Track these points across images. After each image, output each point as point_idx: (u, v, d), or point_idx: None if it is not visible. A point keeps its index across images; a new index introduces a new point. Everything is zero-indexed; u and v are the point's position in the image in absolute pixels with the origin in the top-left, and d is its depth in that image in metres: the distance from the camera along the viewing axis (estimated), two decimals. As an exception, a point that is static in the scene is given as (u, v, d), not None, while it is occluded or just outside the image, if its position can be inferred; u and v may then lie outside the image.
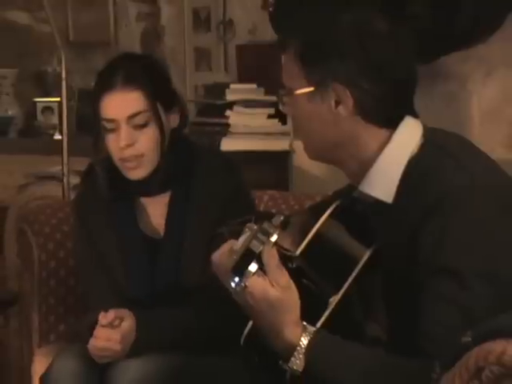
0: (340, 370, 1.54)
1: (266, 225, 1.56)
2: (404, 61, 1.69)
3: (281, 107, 1.86)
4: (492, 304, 1.46)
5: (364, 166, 1.69)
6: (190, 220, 2.29)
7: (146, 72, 2.29)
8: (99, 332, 2.11)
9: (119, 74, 2.24)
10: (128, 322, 2.13)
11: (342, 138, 1.68)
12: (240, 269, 1.55)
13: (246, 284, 1.54)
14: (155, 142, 2.25)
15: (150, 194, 2.34)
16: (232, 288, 1.57)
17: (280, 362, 1.56)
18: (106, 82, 2.25)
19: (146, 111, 2.22)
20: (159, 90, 2.27)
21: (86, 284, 2.39)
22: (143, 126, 2.22)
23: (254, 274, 1.54)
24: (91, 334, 2.13)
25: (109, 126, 2.23)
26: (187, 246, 2.26)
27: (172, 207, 2.32)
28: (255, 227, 1.57)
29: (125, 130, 2.20)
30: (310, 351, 1.53)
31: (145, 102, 2.22)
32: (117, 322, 2.12)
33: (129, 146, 2.21)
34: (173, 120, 2.32)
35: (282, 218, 1.60)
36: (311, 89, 1.67)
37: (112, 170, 2.32)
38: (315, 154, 1.77)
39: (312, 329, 1.56)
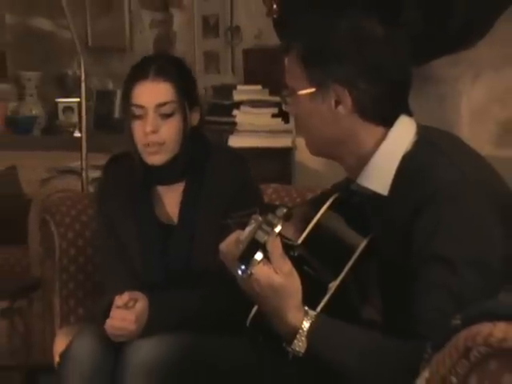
0: (339, 351, 1.54)
1: (270, 216, 1.56)
2: (399, 64, 1.69)
3: (284, 107, 1.86)
4: (480, 290, 1.47)
5: (361, 161, 1.69)
6: (201, 209, 2.29)
7: (176, 68, 2.32)
8: (115, 313, 2.12)
9: (152, 66, 2.27)
10: (141, 304, 2.13)
11: (341, 135, 1.69)
12: (246, 257, 1.55)
13: (252, 271, 1.54)
14: (177, 132, 2.27)
15: (166, 182, 2.35)
16: (239, 275, 1.57)
17: (283, 345, 1.55)
18: (139, 72, 2.27)
19: (173, 102, 2.25)
20: (187, 86, 2.30)
21: (104, 268, 2.40)
22: (169, 115, 2.25)
23: (260, 262, 1.54)
24: (107, 315, 2.14)
25: (138, 112, 2.25)
26: (199, 233, 2.27)
27: (186, 196, 2.32)
28: (260, 218, 1.57)
29: (152, 117, 2.23)
30: (312, 334, 1.53)
31: (173, 94, 2.25)
32: (131, 304, 2.13)
33: (153, 132, 2.23)
34: (194, 118, 2.33)
35: (285, 210, 1.59)
36: (313, 89, 1.67)
37: (133, 162, 2.33)
38: (316, 149, 1.77)
39: (313, 313, 1.56)
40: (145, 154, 2.28)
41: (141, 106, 2.25)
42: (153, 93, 2.25)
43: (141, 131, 2.25)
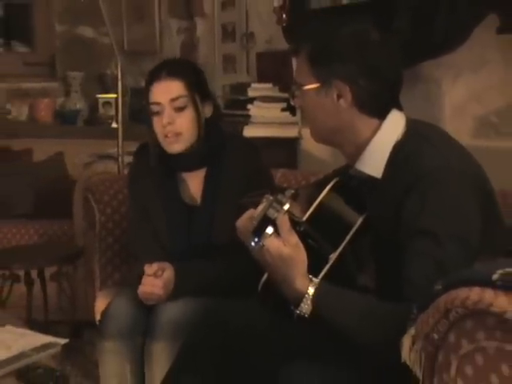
0: (340, 312, 1.54)
1: (279, 196, 1.58)
2: (393, 65, 1.69)
3: (291, 101, 1.85)
4: (460, 260, 1.46)
5: (359, 149, 1.68)
6: (221, 191, 2.28)
7: (185, 68, 2.32)
8: (146, 280, 2.14)
9: (164, 69, 2.27)
10: (168, 272, 2.14)
11: (341, 125, 1.68)
12: (259, 231, 1.56)
13: (264, 244, 1.55)
14: (191, 123, 2.26)
15: (188, 169, 2.34)
16: (252, 247, 1.58)
17: (291, 308, 1.55)
18: (154, 75, 2.27)
19: (184, 96, 2.24)
20: (196, 82, 2.28)
21: (136, 241, 2.39)
22: (182, 108, 2.24)
23: (270, 235, 1.55)
24: (140, 282, 2.15)
25: (155, 108, 2.25)
26: (219, 212, 2.26)
27: (207, 181, 2.32)
28: (271, 198, 1.58)
29: (167, 111, 2.23)
30: (316, 298, 1.53)
31: (184, 89, 2.24)
32: (159, 273, 2.14)
33: (170, 124, 2.23)
34: (207, 110, 2.31)
35: (292, 191, 1.62)
36: (318, 85, 1.67)
37: (159, 151, 2.32)
38: (319, 137, 1.76)
39: (317, 280, 1.56)
40: (165, 145, 2.27)
41: (157, 103, 2.25)
42: (166, 90, 2.24)
43: (160, 124, 2.25)
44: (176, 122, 2.24)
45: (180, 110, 2.24)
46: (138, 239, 2.36)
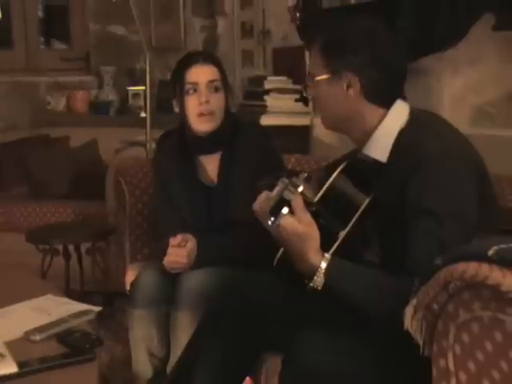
0: (349, 284, 1.53)
1: (294, 179, 1.58)
2: (398, 58, 1.67)
3: (304, 93, 1.83)
4: (459, 238, 1.45)
5: (366, 135, 1.67)
6: (235, 172, 2.27)
7: (216, 58, 2.36)
8: (171, 250, 2.15)
9: (200, 56, 2.31)
10: (191, 243, 2.15)
11: (350, 113, 1.67)
12: (275, 211, 1.56)
13: (280, 222, 1.54)
14: (222, 104, 2.28)
15: (208, 152, 2.33)
16: (269, 226, 1.58)
17: (305, 281, 1.55)
18: (191, 59, 2.29)
19: (219, 80, 2.26)
20: (225, 73, 2.32)
21: (161, 218, 2.39)
22: (216, 90, 2.26)
23: (286, 215, 1.54)
24: (165, 254, 2.16)
25: (192, 87, 2.25)
26: (234, 191, 2.25)
27: (222, 163, 2.31)
28: (286, 181, 1.58)
29: (204, 91, 2.24)
30: (328, 272, 1.53)
31: (218, 75, 2.27)
32: (183, 243, 2.15)
33: (206, 102, 2.23)
34: (229, 100, 2.35)
35: (305, 174, 1.62)
36: (329, 75, 1.66)
37: (184, 137, 2.33)
38: (330, 124, 1.75)
39: (329, 255, 1.55)
40: (197, 123, 2.26)
41: (195, 83, 2.25)
42: (204, 72, 2.26)
43: (196, 103, 2.24)
44: (211, 101, 2.25)
45: (215, 90, 2.26)
46: (163, 217, 2.36)
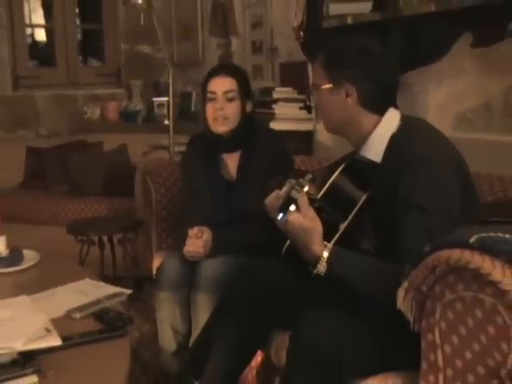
0: (349, 270, 1.53)
1: (300, 180, 1.59)
2: (391, 71, 1.67)
3: (307, 102, 1.83)
4: (444, 229, 1.43)
5: (362, 138, 1.66)
6: (252, 169, 2.28)
7: (238, 71, 2.36)
8: (189, 241, 2.15)
9: (223, 68, 2.35)
10: (207, 234, 2.15)
11: (348, 119, 1.66)
12: (283, 208, 1.57)
13: (288, 218, 1.54)
14: (236, 112, 2.29)
15: (229, 150, 2.35)
16: (278, 221, 1.59)
17: (310, 268, 1.54)
18: (214, 71, 2.33)
19: (234, 91, 2.27)
20: (244, 84, 2.32)
21: (185, 211, 2.38)
22: (231, 99, 2.28)
23: (293, 212, 1.54)
24: (185, 243, 2.16)
25: (211, 96, 2.29)
26: (250, 186, 2.25)
27: (241, 161, 2.32)
28: (293, 181, 1.59)
29: (220, 99, 2.27)
30: (330, 260, 1.53)
31: (235, 86, 2.28)
32: (199, 234, 2.14)
33: (221, 109, 2.26)
34: (248, 106, 2.34)
35: (310, 176, 1.63)
36: (330, 86, 1.65)
37: (206, 138, 2.36)
38: (331, 129, 1.74)
39: (330, 245, 1.55)
40: (213, 125, 2.30)
41: (214, 92, 2.28)
42: (223, 83, 2.28)
43: (212, 109, 2.28)
44: (225, 109, 2.27)
45: (230, 100, 2.27)
46: (189, 209, 2.35)
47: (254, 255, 1.97)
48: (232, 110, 2.28)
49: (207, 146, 2.37)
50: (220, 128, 2.29)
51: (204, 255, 2.14)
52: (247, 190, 2.25)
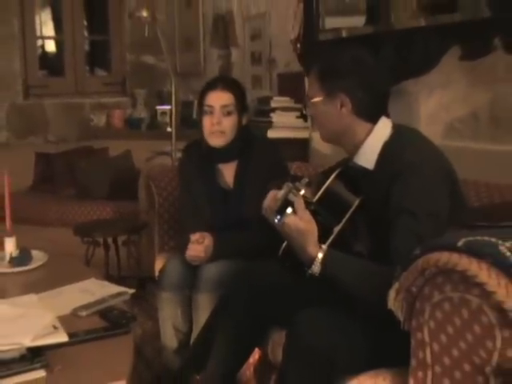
0: (342, 271, 1.52)
1: (297, 184, 1.58)
2: (383, 82, 1.66)
3: (304, 111, 1.83)
4: (433, 233, 1.43)
5: (356, 146, 1.66)
6: (249, 178, 2.26)
7: (235, 85, 2.30)
8: (191, 246, 2.14)
9: (220, 81, 2.27)
10: (208, 240, 2.15)
11: (343, 128, 1.66)
12: (280, 211, 1.57)
13: (285, 220, 1.54)
14: (233, 126, 2.25)
15: (225, 161, 2.32)
16: (275, 223, 1.58)
17: (305, 269, 1.54)
18: (211, 85, 2.27)
19: (232, 105, 2.23)
20: (241, 98, 2.28)
21: (185, 217, 2.37)
22: (228, 114, 2.23)
23: (290, 214, 1.54)
24: (187, 248, 2.16)
25: (208, 110, 2.24)
26: (247, 194, 2.24)
27: (238, 170, 2.30)
28: (290, 185, 1.58)
29: (218, 114, 2.23)
30: (324, 261, 1.53)
31: (232, 100, 2.23)
32: (201, 240, 2.14)
33: (218, 123, 2.22)
34: (245, 119, 2.31)
35: (306, 180, 1.62)
36: (325, 97, 1.65)
37: (203, 148, 2.31)
38: (326, 138, 1.74)
39: (325, 247, 1.54)
40: (210, 139, 2.26)
41: (211, 106, 2.23)
42: (220, 98, 2.23)
43: (210, 123, 2.24)
44: (222, 123, 2.23)
45: (227, 114, 2.23)
46: (186, 216, 2.34)
47: (251, 259, 1.97)
48: (229, 124, 2.24)
49: (203, 154, 2.33)
50: (217, 142, 2.25)
51: (205, 260, 2.14)
52: (245, 198, 2.24)
